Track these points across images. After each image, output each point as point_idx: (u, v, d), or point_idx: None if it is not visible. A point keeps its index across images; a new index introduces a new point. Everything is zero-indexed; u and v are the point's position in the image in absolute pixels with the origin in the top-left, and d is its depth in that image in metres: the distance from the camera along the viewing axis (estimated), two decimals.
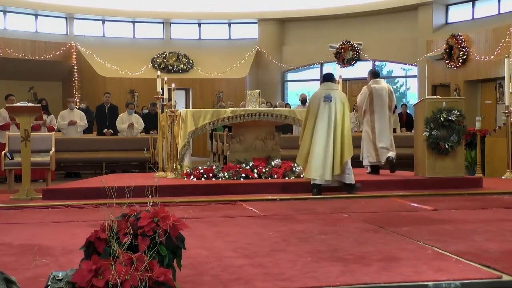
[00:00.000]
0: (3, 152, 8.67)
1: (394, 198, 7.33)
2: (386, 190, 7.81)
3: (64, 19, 19.08)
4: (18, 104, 8.09)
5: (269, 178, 8.13)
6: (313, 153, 7.36)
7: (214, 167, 8.29)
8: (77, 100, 16.95)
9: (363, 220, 5.56)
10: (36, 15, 18.60)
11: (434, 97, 10.18)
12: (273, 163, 8.49)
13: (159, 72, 9.63)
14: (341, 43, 18.92)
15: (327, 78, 7.90)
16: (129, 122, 12.70)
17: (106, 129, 12.91)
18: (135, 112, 13.31)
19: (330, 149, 7.33)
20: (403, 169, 10.81)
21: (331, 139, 7.35)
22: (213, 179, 8.09)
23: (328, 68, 20.00)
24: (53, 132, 10.30)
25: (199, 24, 20.24)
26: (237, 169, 8.24)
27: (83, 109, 13.70)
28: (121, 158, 12.40)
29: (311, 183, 7.44)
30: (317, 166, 7.32)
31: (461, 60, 15.98)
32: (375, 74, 9.16)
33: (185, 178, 8.18)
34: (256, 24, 20.07)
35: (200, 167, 8.34)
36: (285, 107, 13.64)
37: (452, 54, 16.23)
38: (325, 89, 7.62)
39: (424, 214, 6.07)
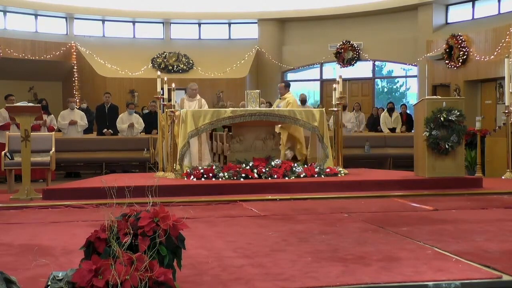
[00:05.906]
0: (3, 152, 8.66)
1: (394, 198, 7.33)
2: (386, 190, 7.80)
3: (64, 19, 19.09)
4: (18, 104, 8.07)
5: (269, 178, 8.12)
6: None
7: (214, 167, 8.29)
8: (77, 100, 16.94)
9: (363, 220, 5.56)
10: (36, 15, 18.60)
11: (434, 97, 10.15)
12: (273, 163, 8.48)
13: (159, 72, 9.63)
14: (341, 43, 18.93)
15: None
16: (129, 122, 12.70)
17: (106, 129, 12.91)
18: (135, 112, 13.31)
19: None
20: (403, 169, 10.82)
21: None
22: (213, 179, 8.08)
23: (328, 68, 20.02)
24: (53, 132, 10.30)
25: (199, 24, 20.24)
26: (237, 169, 8.23)
27: (83, 109, 13.70)
28: (121, 158, 12.39)
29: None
30: None
31: (461, 60, 15.97)
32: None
33: (185, 178, 8.17)
34: (256, 24, 20.07)
35: (200, 167, 8.34)
36: None
37: (452, 54, 16.23)
38: None
39: (424, 214, 6.06)
